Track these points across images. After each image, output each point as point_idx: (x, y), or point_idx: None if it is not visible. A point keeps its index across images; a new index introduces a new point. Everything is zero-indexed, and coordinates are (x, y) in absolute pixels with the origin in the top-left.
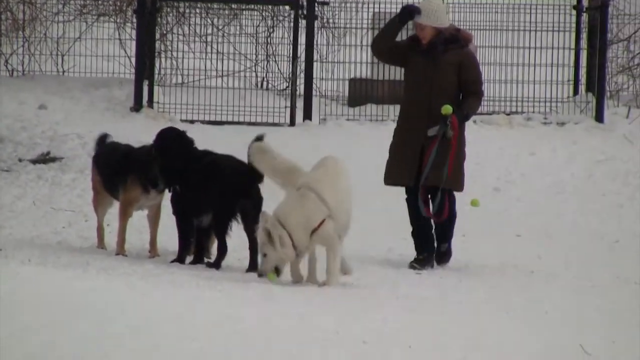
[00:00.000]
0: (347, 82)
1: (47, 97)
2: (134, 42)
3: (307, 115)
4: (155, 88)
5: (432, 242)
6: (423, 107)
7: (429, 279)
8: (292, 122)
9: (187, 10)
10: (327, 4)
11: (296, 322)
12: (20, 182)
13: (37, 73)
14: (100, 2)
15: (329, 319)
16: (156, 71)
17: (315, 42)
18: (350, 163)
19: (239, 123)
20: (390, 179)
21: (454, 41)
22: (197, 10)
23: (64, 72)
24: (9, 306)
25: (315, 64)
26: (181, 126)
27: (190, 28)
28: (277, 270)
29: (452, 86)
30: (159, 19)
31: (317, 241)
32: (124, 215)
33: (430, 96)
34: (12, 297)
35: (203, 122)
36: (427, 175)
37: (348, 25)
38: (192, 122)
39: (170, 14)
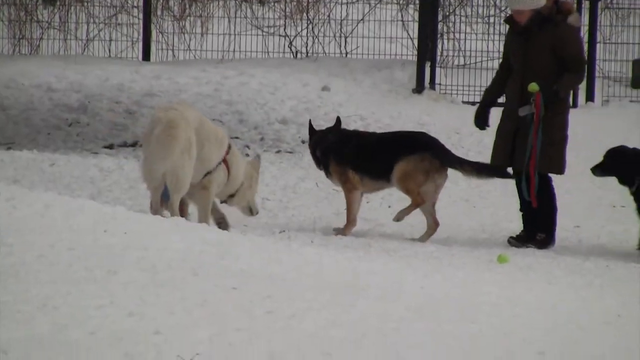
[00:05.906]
0: (630, 64)
1: (330, 78)
2: (416, 24)
3: (590, 97)
4: (438, 70)
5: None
6: (516, 89)
7: None
8: (574, 104)
9: None
10: None
11: (580, 304)
12: (304, 163)
13: (320, 55)
14: None
15: (611, 301)
16: (438, 53)
17: (598, 23)
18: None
19: None
20: (492, 159)
21: (550, 20)
22: None
23: (347, 53)
24: (292, 287)
25: (597, 45)
26: (462, 108)
27: (473, 9)
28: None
29: (547, 67)
30: (441, 0)
31: None
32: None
33: (522, 78)
34: (294, 278)
35: None
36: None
37: (632, 6)
38: (473, 103)
39: None
